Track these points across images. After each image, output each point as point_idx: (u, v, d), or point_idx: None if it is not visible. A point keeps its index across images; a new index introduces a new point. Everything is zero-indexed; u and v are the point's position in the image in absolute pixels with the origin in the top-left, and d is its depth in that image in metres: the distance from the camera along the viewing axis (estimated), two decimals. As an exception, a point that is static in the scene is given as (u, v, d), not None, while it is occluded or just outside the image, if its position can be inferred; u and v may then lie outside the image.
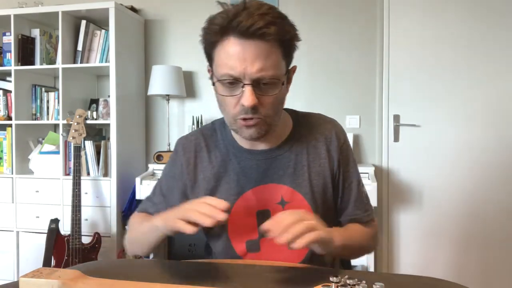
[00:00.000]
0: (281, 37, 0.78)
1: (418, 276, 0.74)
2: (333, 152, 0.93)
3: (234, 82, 0.79)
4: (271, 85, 0.80)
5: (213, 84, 0.86)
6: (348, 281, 0.66)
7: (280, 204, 0.90)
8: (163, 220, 0.81)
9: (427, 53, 2.40)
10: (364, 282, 0.64)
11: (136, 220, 0.99)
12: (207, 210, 0.72)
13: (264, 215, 0.89)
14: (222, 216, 0.70)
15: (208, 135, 0.98)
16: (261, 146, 0.92)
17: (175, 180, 0.98)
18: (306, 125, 0.96)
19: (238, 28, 0.76)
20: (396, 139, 2.46)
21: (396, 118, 2.44)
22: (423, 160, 2.42)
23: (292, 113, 0.99)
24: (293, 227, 0.70)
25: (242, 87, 0.79)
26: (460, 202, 2.37)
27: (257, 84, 0.79)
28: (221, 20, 0.79)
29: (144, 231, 0.91)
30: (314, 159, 0.93)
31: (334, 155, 0.93)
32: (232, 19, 0.77)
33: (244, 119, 0.82)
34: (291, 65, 0.88)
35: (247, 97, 0.78)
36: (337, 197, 0.95)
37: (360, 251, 0.97)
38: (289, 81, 0.89)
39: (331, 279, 0.67)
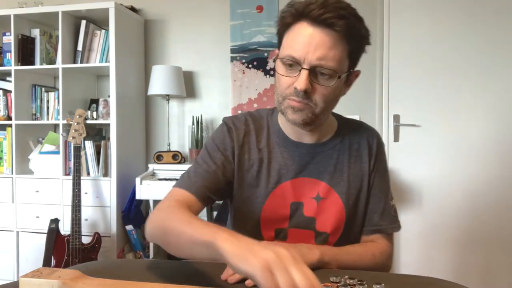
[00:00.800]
0: (349, 33, 0.80)
1: (418, 276, 0.74)
2: (373, 158, 0.96)
3: (293, 64, 0.82)
4: (328, 76, 0.81)
5: (274, 61, 0.88)
6: (348, 281, 0.66)
7: (315, 199, 0.92)
8: (235, 252, 0.57)
9: (427, 53, 2.40)
10: (364, 282, 0.64)
11: (182, 208, 0.81)
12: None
13: (297, 206, 0.92)
14: None
15: (256, 119, 0.99)
16: (306, 140, 0.94)
17: (228, 152, 0.94)
18: (350, 128, 0.99)
19: (310, 14, 0.79)
20: (396, 139, 2.46)
21: (396, 118, 2.44)
22: (423, 160, 2.42)
23: (337, 116, 1.02)
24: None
25: (300, 70, 0.81)
26: (460, 202, 2.37)
27: (314, 72, 0.81)
28: (299, 5, 0.81)
29: (191, 234, 0.68)
30: (355, 161, 0.95)
31: (373, 161, 0.96)
32: (308, 5, 0.79)
33: (293, 100, 0.83)
34: (356, 68, 0.89)
35: (302, 81, 0.80)
36: (369, 202, 0.96)
37: (358, 269, 0.89)
38: (349, 83, 0.91)
39: (331, 279, 0.67)
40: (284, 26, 0.85)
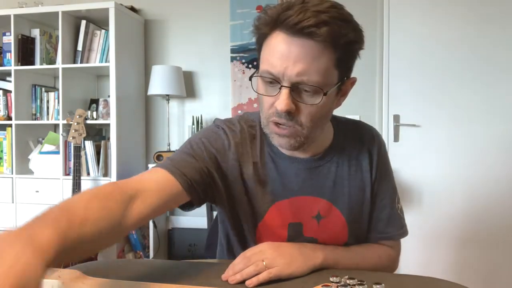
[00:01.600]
0: (333, 40, 0.68)
1: (418, 276, 0.74)
2: (374, 164, 0.87)
3: (273, 81, 0.71)
4: (312, 93, 0.70)
5: (251, 78, 0.77)
6: (348, 281, 0.66)
7: (315, 218, 0.84)
8: None
9: (427, 53, 2.40)
10: (364, 282, 0.64)
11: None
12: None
13: (296, 228, 0.84)
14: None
15: (251, 126, 0.87)
16: (301, 154, 0.84)
17: (216, 154, 0.82)
18: (347, 134, 0.89)
19: (285, 22, 0.67)
20: (396, 139, 2.45)
21: (396, 118, 2.44)
22: (423, 160, 2.42)
23: (332, 119, 0.89)
24: (244, 270, 0.71)
25: (280, 88, 0.70)
26: (460, 202, 2.37)
27: (297, 89, 0.70)
28: (274, 11, 0.70)
29: None
30: (356, 172, 0.86)
31: (374, 167, 0.87)
32: (284, 11, 0.68)
33: (277, 125, 0.74)
34: (350, 76, 0.78)
35: (282, 100, 0.69)
36: (372, 211, 0.89)
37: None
38: (343, 93, 0.79)
39: (331, 279, 0.67)
40: (260, 36, 0.74)
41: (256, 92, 0.76)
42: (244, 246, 0.86)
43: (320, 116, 0.74)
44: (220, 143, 0.83)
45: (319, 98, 0.70)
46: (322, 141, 0.85)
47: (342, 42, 0.69)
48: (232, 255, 0.90)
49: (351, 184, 0.85)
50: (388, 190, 0.90)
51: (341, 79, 0.74)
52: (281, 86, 0.70)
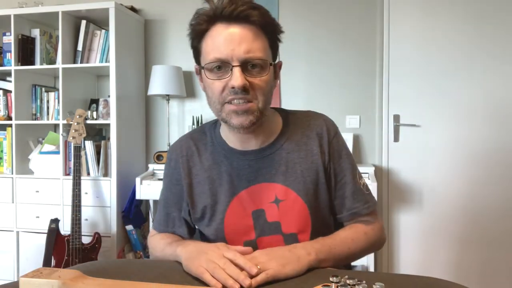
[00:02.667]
0: (265, 22, 0.82)
1: (418, 276, 0.74)
2: (325, 146, 0.93)
3: (222, 66, 0.81)
4: (259, 68, 0.82)
5: (199, 73, 0.89)
6: (348, 281, 0.66)
7: (274, 202, 0.90)
8: (188, 262, 0.78)
9: (427, 53, 2.40)
10: (364, 282, 0.64)
11: (156, 241, 0.99)
12: (234, 273, 0.70)
13: (259, 214, 0.90)
14: (247, 284, 0.68)
15: (197, 138, 0.98)
16: (251, 146, 0.92)
17: (177, 186, 0.97)
18: (296, 122, 0.96)
19: (222, 13, 0.79)
20: (396, 139, 2.46)
21: (396, 118, 2.44)
22: (423, 160, 2.42)
23: (282, 112, 0.99)
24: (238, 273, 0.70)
25: (231, 69, 0.80)
26: (460, 202, 2.37)
27: (245, 66, 0.81)
28: (207, 10, 0.82)
29: (168, 256, 0.91)
30: (306, 156, 0.92)
31: (326, 149, 0.92)
32: (217, 7, 0.80)
33: (234, 104, 0.82)
34: (277, 61, 0.90)
35: (237, 77, 0.79)
36: (331, 192, 0.94)
37: (355, 256, 0.92)
38: (276, 75, 0.90)
39: (331, 279, 0.67)
40: (198, 36, 0.85)
41: (209, 79, 0.84)
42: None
43: (268, 90, 0.85)
44: (176, 174, 0.97)
45: (267, 71, 0.83)
46: (270, 131, 0.93)
47: (271, 25, 0.83)
48: None
49: (303, 167, 0.91)
50: (347, 169, 0.94)
51: (274, 59, 0.88)
52: (232, 66, 0.80)
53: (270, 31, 0.84)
